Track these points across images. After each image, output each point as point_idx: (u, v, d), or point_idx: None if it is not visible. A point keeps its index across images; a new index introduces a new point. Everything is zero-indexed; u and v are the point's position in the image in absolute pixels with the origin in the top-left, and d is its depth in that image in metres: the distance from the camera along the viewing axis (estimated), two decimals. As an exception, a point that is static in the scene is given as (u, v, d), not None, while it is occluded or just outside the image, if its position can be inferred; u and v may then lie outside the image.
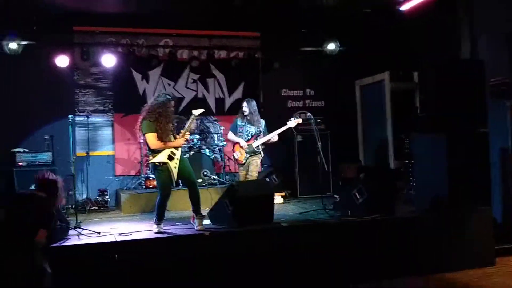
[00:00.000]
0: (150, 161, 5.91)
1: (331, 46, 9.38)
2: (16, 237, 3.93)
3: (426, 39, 8.46)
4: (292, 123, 7.31)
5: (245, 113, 7.30)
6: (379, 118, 9.30)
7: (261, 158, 7.40)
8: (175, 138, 5.92)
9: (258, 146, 7.24)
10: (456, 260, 6.05)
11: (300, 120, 7.38)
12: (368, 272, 5.73)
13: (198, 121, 8.86)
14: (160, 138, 5.74)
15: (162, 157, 5.74)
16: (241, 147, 7.24)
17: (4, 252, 3.97)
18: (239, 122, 7.40)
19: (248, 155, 7.21)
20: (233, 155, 7.39)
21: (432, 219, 6.20)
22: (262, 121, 7.43)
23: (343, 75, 9.83)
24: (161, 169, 5.75)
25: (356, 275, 5.69)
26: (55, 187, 4.30)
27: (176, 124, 6.35)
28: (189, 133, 6.12)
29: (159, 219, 5.82)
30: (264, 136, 7.30)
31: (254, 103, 7.39)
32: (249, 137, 7.28)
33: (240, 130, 7.34)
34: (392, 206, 6.36)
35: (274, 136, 7.26)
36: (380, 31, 9.12)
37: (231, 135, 7.43)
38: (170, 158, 5.76)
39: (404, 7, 8.29)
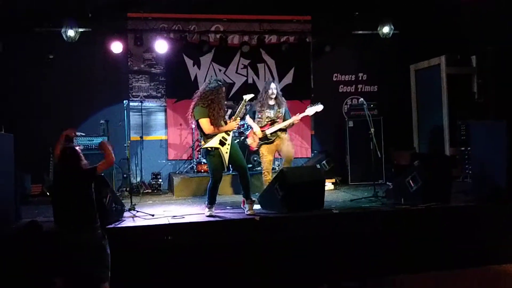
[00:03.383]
0: (202, 147, 5.98)
1: (385, 29, 9.12)
2: (77, 215, 4.09)
3: (484, 21, 8.08)
4: (311, 110, 6.87)
5: (273, 96, 6.76)
6: (434, 104, 9.01)
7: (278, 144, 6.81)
8: (226, 123, 5.97)
9: (272, 133, 6.73)
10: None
11: (320, 108, 6.88)
12: (421, 262, 5.60)
13: (249, 106, 8.87)
14: (213, 123, 5.80)
15: (214, 143, 5.80)
16: (255, 133, 6.78)
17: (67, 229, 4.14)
18: (257, 107, 6.86)
19: (261, 142, 6.75)
20: (246, 141, 7.00)
21: (489, 209, 5.99)
22: (284, 104, 6.91)
23: (397, 59, 9.56)
24: (213, 154, 5.81)
25: (409, 265, 5.58)
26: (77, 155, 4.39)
27: (227, 109, 6.39)
28: (239, 118, 6.13)
29: (211, 203, 5.90)
30: (282, 122, 6.78)
31: (277, 84, 7.00)
32: (266, 122, 6.79)
33: (259, 116, 6.83)
34: (447, 194, 6.19)
35: (290, 123, 6.76)
36: (436, 13, 8.79)
37: (248, 119, 6.95)
38: (222, 143, 5.82)
39: (463, -12, 7.96)
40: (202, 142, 5.94)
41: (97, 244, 4.12)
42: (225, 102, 6.24)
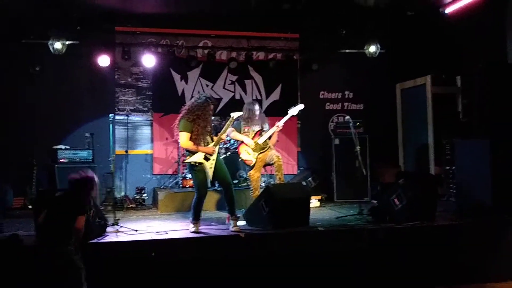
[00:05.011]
0: (185, 161, 5.94)
1: (372, 48, 9.21)
2: (56, 232, 4.01)
3: (470, 42, 8.22)
4: (294, 110, 6.85)
5: (257, 113, 6.88)
6: (419, 123, 9.10)
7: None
8: (212, 140, 5.95)
9: (264, 141, 6.72)
10: (498, 270, 5.85)
11: (301, 106, 6.94)
12: (404, 281, 5.59)
13: (236, 122, 8.81)
14: (195, 139, 5.78)
15: (198, 157, 5.77)
16: (247, 145, 6.72)
17: (45, 246, 4.05)
18: (243, 122, 6.89)
19: (256, 154, 6.71)
20: (240, 157, 6.83)
21: (474, 227, 6.02)
22: (266, 119, 7.05)
23: (383, 78, 9.66)
24: (197, 169, 5.78)
25: (393, 283, 5.56)
26: (92, 184, 4.37)
27: (213, 125, 6.35)
28: (225, 135, 6.11)
29: (196, 219, 5.85)
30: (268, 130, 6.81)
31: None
32: (254, 134, 6.82)
33: (246, 129, 6.85)
34: (432, 213, 6.21)
35: (277, 127, 6.73)
36: (422, 34, 8.93)
37: (234, 133, 6.84)
38: (206, 158, 5.79)
39: (448, 10, 8.08)
40: (187, 157, 5.90)
41: (68, 259, 4.06)
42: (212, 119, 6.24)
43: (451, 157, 7.73)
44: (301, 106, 6.99)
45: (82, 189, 4.31)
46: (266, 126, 6.92)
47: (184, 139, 5.78)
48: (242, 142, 6.81)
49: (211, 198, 7.72)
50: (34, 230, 5.10)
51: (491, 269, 5.84)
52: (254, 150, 6.72)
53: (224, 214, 6.51)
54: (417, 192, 6.15)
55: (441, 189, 7.84)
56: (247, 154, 6.73)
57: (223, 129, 6.09)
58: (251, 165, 6.76)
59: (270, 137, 6.84)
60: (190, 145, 5.77)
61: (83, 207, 4.13)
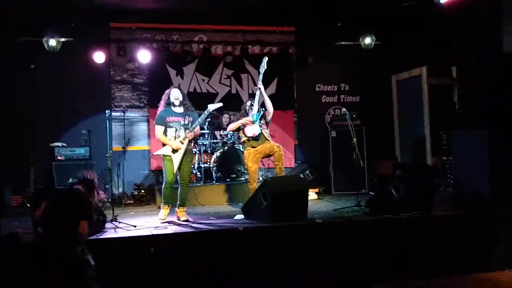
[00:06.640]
0: (154, 153, 6.52)
1: (367, 40, 9.22)
2: (59, 229, 4.00)
3: (465, 33, 8.21)
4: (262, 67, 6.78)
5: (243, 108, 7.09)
6: (416, 114, 9.11)
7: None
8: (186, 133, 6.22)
9: (257, 109, 6.75)
10: (496, 260, 5.87)
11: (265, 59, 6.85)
12: (403, 271, 5.62)
13: (225, 116, 8.80)
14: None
15: (166, 150, 6.18)
16: (247, 123, 6.74)
17: (48, 244, 4.05)
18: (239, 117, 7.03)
19: (257, 122, 6.72)
20: (247, 136, 6.75)
21: (471, 217, 6.04)
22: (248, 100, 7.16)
23: (379, 69, 9.66)
24: (166, 158, 6.20)
25: (391, 273, 5.59)
26: (93, 184, 4.42)
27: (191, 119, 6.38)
28: (197, 130, 6.29)
29: (166, 203, 6.31)
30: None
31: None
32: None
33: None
34: (429, 203, 6.23)
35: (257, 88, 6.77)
36: (417, 25, 8.92)
37: (231, 125, 7.03)
38: (174, 151, 6.15)
39: (443, 0, 8.07)
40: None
41: (76, 257, 4.05)
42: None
43: (448, 148, 7.76)
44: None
45: (88, 188, 4.31)
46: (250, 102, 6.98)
47: (157, 132, 6.23)
48: (244, 126, 6.80)
49: (210, 193, 7.76)
50: (32, 227, 5.10)
51: (488, 259, 5.86)
52: (254, 122, 6.75)
53: (232, 208, 6.59)
54: (414, 183, 6.18)
55: (438, 180, 7.87)
56: (250, 129, 6.76)
57: (198, 121, 6.24)
58: (256, 135, 6.72)
59: (263, 106, 6.86)
60: (163, 139, 6.20)
61: (87, 212, 4.10)
